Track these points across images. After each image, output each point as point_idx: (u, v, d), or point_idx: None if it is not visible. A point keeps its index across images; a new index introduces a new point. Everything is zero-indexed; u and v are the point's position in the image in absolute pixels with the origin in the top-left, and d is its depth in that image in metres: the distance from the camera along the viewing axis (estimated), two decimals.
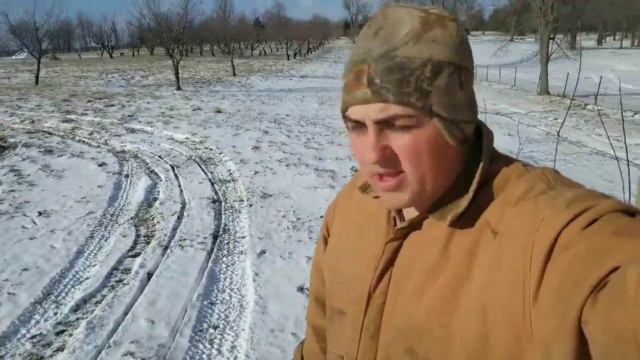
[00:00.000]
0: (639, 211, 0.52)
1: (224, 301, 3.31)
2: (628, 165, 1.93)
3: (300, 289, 3.38)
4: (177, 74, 17.42)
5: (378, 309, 0.70)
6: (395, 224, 0.73)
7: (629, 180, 1.86)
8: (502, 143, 6.05)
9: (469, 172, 0.67)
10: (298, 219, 4.63)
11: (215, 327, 3.01)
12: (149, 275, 3.68)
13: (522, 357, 0.55)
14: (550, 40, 16.86)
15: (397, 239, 0.70)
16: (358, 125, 0.64)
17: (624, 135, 2.07)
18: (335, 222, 0.89)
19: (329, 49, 64.77)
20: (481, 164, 0.66)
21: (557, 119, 10.82)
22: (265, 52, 52.18)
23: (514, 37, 42.92)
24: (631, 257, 0.44)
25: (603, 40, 49.60)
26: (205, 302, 3.28)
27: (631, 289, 0.40)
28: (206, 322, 3.07)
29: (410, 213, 0.71)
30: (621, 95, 3.57)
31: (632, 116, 11.21)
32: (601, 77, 14.68)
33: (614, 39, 51.91)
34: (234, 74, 23.57)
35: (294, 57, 39.85)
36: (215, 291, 3.44)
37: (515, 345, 0.55)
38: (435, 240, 0.66)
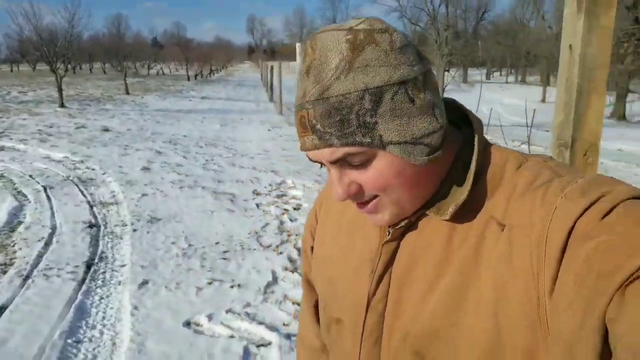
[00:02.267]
0: None
1: (93, 339, 2.84)
2: None
3: (187, 324, 3.01)
4: (60, 89, 15.96)
5: (379, 314, 0.67)
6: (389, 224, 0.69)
7: None
8: None
9: (461, 161, 0.64)
10: (190, 245, 4.24)
11: None
12: (1, 309, 3.09)
13: (537, 353, 0.52)
14: (445, 72, 18.22)
15: (394, 239, 0.66)
16: (322, 163, 0.62)
17: None
18: (319, 229, 0.85)
19: (232, 72, 64.28)
20: (475, 153, 0.62)
21: None
22: (163, 72, 50.35)
23: None
24: None
25: (491, 75, 54.79)
26: (69, 341, 2.79)
27: None
28: None
29: None
30: (506, 125, 3.76)
31: (519, 145, 12.30)
32: (491, 109, 16.04)
33: (500, 74, 57.43)
34: (127, 92, 22.25)
35: (195, 79, 38.87)
36: (84, 327, 2.95)
37: (530, 342, 0.52)
38: (435, 237, 0.63)
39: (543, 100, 32.72)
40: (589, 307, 0.44)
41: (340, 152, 0.57)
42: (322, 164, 0.62)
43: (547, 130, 17.25)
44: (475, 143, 0.63)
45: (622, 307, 0.42)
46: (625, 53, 22.08)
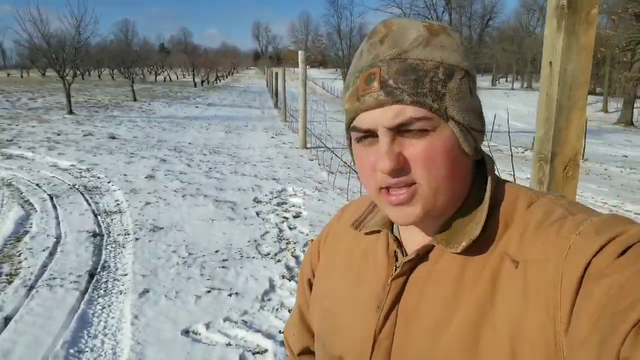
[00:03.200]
0: None
1: (94, 349, 2.92)
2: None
3: (186, 332, 3.09)
4: (68, 96, 16.19)
5: (385, 352, 0.65)
6: (396, 259, 0.69)
7: None
8: None
9: (472, 196, 0.64)
10: (190, 254, 4.32)
11: None
12: (6, 320, 3.18)
13: None
14: None
15: (402, 274, 0.65)
16: (367, 136, 0.61)
17: (513, 169, 2.17)
18: (322, 264, 0.83)
19: (238, 78, 64.65)
20: (489, 187, 0.63)
21: None
22: (170, 78, 50.77)
23: None
24: None
25: (497, 81, 54.71)
26: (71, 351, 2.87)
27: None
28: None
29: (414, 246, 0.67)
30: (510, 132, 3.85)
31: (523, 152, 12.28)
32: (495, 115, 16.03)
33: (506, 81, 57.31)
34: (135, 99, 22.51)
35: (201, 85, 39.15)
36: (86, 337, 3.03)
37: None
38: (447, 271, 0.62)
39: None
40: (603, 345, 0.44)
41: (407, 113, 0.57)
42: (362, 138, 0.61)
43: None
44: (489, 179, 0.64)
45: (636, 346, 0.41)
46: (632, 60, 21.97)
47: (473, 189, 0.65)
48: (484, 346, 0.55)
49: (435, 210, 0.61)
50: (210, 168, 8.10)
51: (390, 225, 0.72)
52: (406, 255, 0.68)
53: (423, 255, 0.64)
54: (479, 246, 0.60)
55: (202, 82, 40.24)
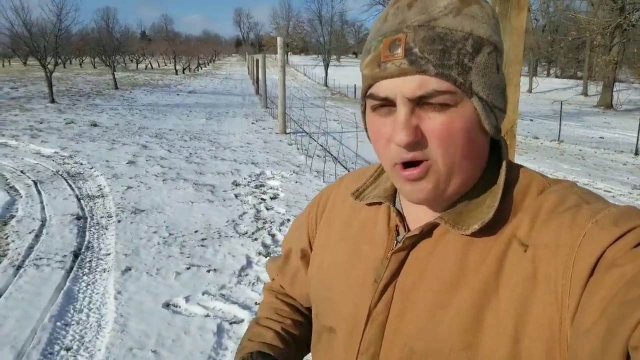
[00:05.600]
0: None
1: (80, 321, 3.13)
2: None
3: (166, 305, 3.31)
4: (50, 85, 16.06)
5: (379, 327, 0.63)
6: (397, 234, 0.67)
7: None
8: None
9: (485, 178, 0.62)
10: (170, 234, 4.53)
11: (67, 349, 2.84)
12: None
13: None
14: None
15: (404, 248, 0.63)
16: (384, 105, 0.58)
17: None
18: (319, 233, 0.81)
19: (220, 66, 64.11)
20: (503, 169, 0.61)
21: None
22: (152, 66, 50.19)
23: None
24: None
25: None
26: (58, 324, 3.07)
27: None
28: (58, 344, 2.88)
29: (417, 222, 0.65)
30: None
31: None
32: None
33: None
34: (116, 87, 22.32)
35: (183, 72, 38.83)
36: (72, 311, 3.24)
37: None
38: (450, 251, 0.60)
39: (530, 91, 32.86)
40: (610, 334, 0.43)
41: (430, 85, 0.54)
42: (378, 106, 0.59)
43: (531, 119, 17.55)
44: (503, 163, 0.62)
45: None
46: (610, 45, 22.37)
47: (487, 170, 0.63)
48: (486, 328, 0.54)
49: (448, 190, 0.60)
50: (191, 153, 8.27)
51: (392, 198, 0.70)
52: (408, 230, 0.66)
53: (427, 231, 0.62)
54: (486, 228, 0.58)
55: (184, 70, 39.90)
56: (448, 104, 0.55)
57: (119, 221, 4.84)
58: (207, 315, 3.20)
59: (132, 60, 45.77)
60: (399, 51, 0.54)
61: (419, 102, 0.55)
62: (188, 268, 3.83)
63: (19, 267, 3.79)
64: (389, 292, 0.63)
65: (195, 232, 4.60)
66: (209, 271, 3.79)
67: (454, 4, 0.56)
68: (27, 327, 3.01)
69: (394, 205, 0.69)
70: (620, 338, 0.42)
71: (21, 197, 5.66)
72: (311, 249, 0.83)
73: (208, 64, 60.06)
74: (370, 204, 0.73)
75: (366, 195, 0.74)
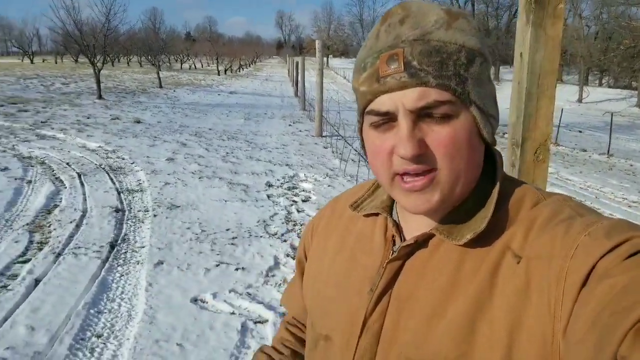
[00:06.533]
0: None
1: (112, 310, 3.24)
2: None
3: (194, 300, 3.39)
4: (98, 82, 16.73)
5: (374, 335, 0.64)
6: (394, 244, 0.68)
7: None
8: None
9: (480, 188, 0.63)
10: (203, 230, 4.64)
11: (98, 336, 2.95)
12: (36, 281, 3.54)
13: None
14: None
15: (399, 258, 0.64)
16: (385, 119, 0.58)
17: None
18: (314, 245, 0.82)
19: (260, 67, 65.02)
20: (498, 180, 0.62)
21: None
22: (195, 66, 51.45)
23: None
24: None
25: None
26: (92, 311, 3.20)
27: None
28: (90, 330, 3.00)
29: (413, 232, 0.66)
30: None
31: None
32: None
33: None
34: (160, 86, 23.01)
35: (225, 73, 39.61)
36: (105, 300, 3.36)
37: None
38: (445, 261, 0.61)
39: (580, 101, 31.59)
40: (601, 343, 0.43)
41: (431, 95, 0.55)
42: (379, 122, 0.59)
43: (580, 131, 16.91)
44: (497, 174, 0.63)
45: (634, 346, 0.40)
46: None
47: (480, 181, 0.64)
48: (480, 338, 0.55)
49: (452, 199, 0.60)
50: (228, 153, 8.43)
51: (389, 209, 0.71)
52: (404, 240, 0.67)
53: (422, 242, 0.63)
54: (481, 239, 0.59)
55: (226, 70, 40.68)
56: (449, 114, 0.56)
57: (155, 215, 4.99)
58: (233, 313, 3.25)
59: (176, 60, 47.03)
60: (398, 65, 0.56)
61: (420, 115, 0.57)
62: (217, 265, 3.91)
63: (58, 255, 3.97)
64: (385, 301, 0.64)
65: (227, 230, 4.68)
66: (237, 269, 3.85)
67: (443, 19, 0.58)
68: (62, 313, 3.14)
69: (391, 216, 0.70)
70: (610, 347, 0.42)
71: (65, 188, 5.92)
72: (306, 260, 0.85)
73: (249, 65, 61.04)
74: (367, 215, 0.74)
75: (364, 206, 0.75)
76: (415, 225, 0.66)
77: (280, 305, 3.46)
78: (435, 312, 0.59)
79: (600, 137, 15.37)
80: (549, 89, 1.52)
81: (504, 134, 12.38)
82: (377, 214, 0.73)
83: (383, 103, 0.57)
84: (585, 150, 12.00)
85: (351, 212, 0.76)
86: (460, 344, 0.56)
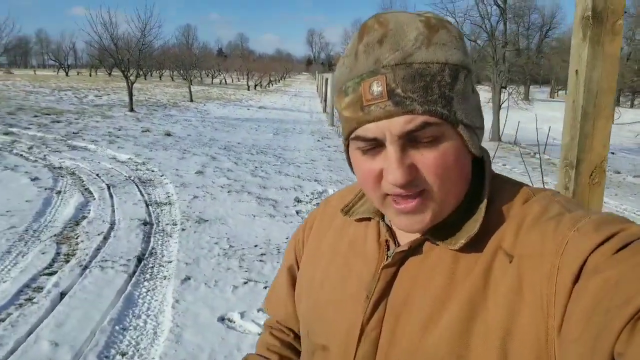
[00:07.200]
0: None
1: (137, 327, 3.14)
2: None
3: (221, 319, 3.26)
4: (130, 95, 17.09)
5: (372, 343, 0.63)
6: (387, 248, 0.67)
7: None
8: None
9: (470, 193, 0.63)
10: (231, 246, 4.52)
11: (123, 354, 2.84)
12: (62, 295, 3.47)
13: None
14: (503, 89, 17.70)
15: (393, 264, 0.64)
16: (373, 144, 0.57)
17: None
18: (307, 251, 0.81)
19: (290, 83, 65.69)
20: (487, 184, 0.62)
21: (505, 165, 11.24)
22: (225, 81, 52.33)
23: None
24: None
25: (555, 94, 52.57)
26: (117, 327, 3.10)
27: None
28: (114, 348, 2.89)
29: (407, 236, 0.65)
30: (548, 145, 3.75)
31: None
32: (549, 128, 15.47)
33: (566, 93, 55.03)
34: (191, 100, 23.38)
35: (255, 88, 40.10)
36: (130, 316, 3.26)
37: None
38: (439, 265, 0.60)
39: (612, 122, 30.67)
40: (597, 340, 0.43)
41: (419, 120, 0.54)
42: (366, 148, 0.58)
43: (613, 153, 16.39)
44: (486, 174, 0.63)
45: (631, 342, 0.40)
46: None
47: (471, 185, 0.64)
48: (475, 340, 0.55)
49: (443, 214, 0.60)
50: (256, 167, 8.37)
51: (380, 213, 0.70)
52: (398, 245, 0.66)
53: (416, 247, 0.63)
54: (474, 241, 0.59)
55: (256, 86, 41.19)
56: (437, 136, 0.56)
57: (182, 229, 4.91)
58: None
59: (207, 75, 48.04)
60: (382, 93, 0.54)
61: (408, 138, 0.55)
62: (245, 282, 3.78)
63: (85, 268, 3.91)
64: (381, 307, 0.63)
65: (255, 246, 4.56)
66: (265, 287, 3.71)
67: (423, 34, 0.55)
68: (86, 329, 3.05)
69: (383, 220, 0.69)
70: (606, 344, 0.42)
71: (94, 199, 5.92)
72: (298, 267, 0.84)
73: (279, 81, 61.76)
74: (359, 220, 0.73)
75: (355, 211, 0.74)
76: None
77: (259, 311, 3.31)
78: (431, 317, 0.58)
79: (634, 159, 14.93)
80: (607, 108, 1.43)
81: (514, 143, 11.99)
82: (369, 219, 0.72)
83: (369, 129, 0.56)
84: (619, 172, 11.61)
85: (342, 216, 0.75)
86: (457, 347, 0.55)
